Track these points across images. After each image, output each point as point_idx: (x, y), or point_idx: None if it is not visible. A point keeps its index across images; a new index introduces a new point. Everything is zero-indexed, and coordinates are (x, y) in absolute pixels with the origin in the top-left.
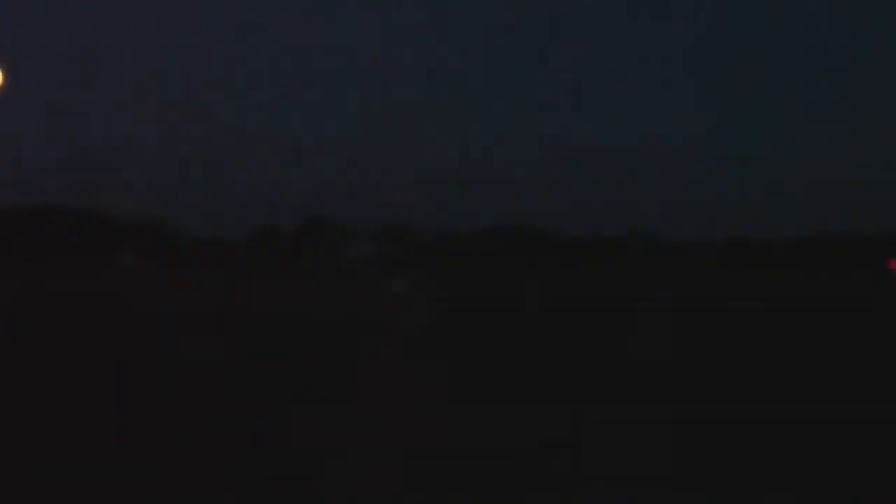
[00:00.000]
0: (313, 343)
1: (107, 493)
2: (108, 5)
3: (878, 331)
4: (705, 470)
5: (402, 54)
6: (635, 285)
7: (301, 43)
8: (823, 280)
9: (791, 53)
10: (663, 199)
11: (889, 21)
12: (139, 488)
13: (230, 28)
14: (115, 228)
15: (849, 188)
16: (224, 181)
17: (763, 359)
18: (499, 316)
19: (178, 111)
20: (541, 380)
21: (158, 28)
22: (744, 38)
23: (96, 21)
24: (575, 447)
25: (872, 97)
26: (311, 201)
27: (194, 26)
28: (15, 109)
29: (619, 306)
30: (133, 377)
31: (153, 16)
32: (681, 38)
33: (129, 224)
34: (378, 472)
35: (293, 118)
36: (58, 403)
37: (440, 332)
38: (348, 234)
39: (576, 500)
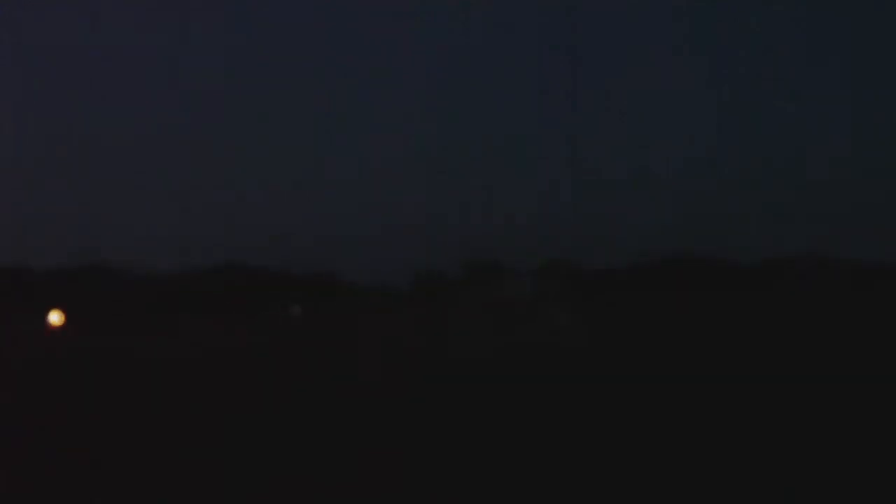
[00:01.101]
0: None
1: None
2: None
3: None
4: None
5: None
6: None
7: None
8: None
9: None
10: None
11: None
12: None
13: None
14: (284, 281)
15: None
16: (380, 227)
17: None
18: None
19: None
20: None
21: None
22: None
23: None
24: None
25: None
26: (470, 243)
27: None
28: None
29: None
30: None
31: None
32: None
33: (295, 277)
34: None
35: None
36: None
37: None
38: (508, 274)
39: None
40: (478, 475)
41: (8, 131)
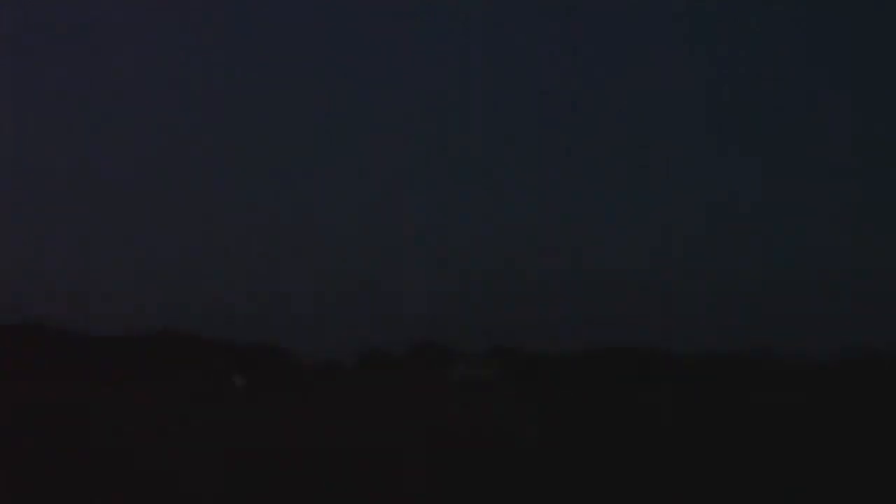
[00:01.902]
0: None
1: None
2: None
3: None
4: None
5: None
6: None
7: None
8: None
9: None
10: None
11: None
12: None
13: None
14: (227, 352)
15: None
16: (333, 305)
17: None
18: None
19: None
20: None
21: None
22: None
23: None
24: None
25: None
26: (418, 324)
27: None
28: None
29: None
30: None
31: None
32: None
33: (240, 348)
34: None
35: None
36: None
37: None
38: (455, 357)
39: None
40: None
41: None
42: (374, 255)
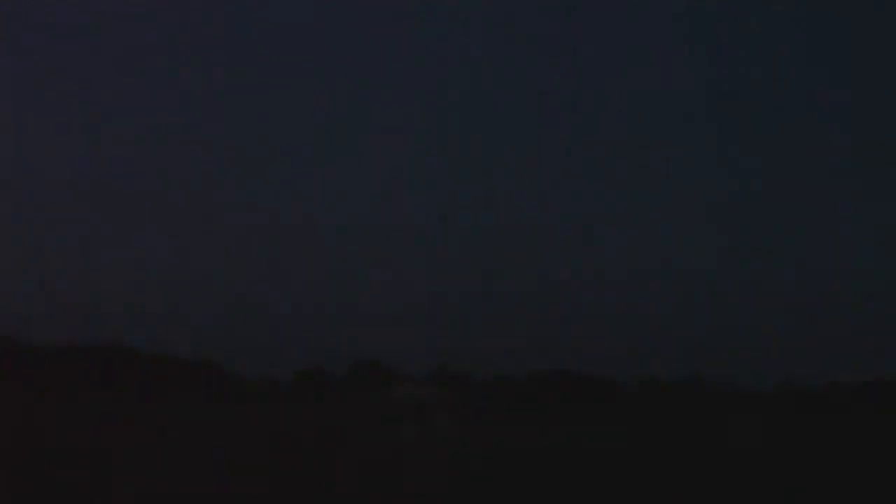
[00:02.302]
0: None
1: None
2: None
3: None
4: None
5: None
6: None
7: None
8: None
9: None
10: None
11: None
12: None
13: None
14: (166, 368)
15: None
16: (269, 320)
17: None
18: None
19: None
20: None
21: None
22: None
23: None
24: None
25: None
26: (359, 342)
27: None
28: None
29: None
30: None
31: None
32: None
33: (177, 363)
34: None
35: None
36: None
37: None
38: (396, 378)
39: None
40: None
41: None
42: (324, 271)
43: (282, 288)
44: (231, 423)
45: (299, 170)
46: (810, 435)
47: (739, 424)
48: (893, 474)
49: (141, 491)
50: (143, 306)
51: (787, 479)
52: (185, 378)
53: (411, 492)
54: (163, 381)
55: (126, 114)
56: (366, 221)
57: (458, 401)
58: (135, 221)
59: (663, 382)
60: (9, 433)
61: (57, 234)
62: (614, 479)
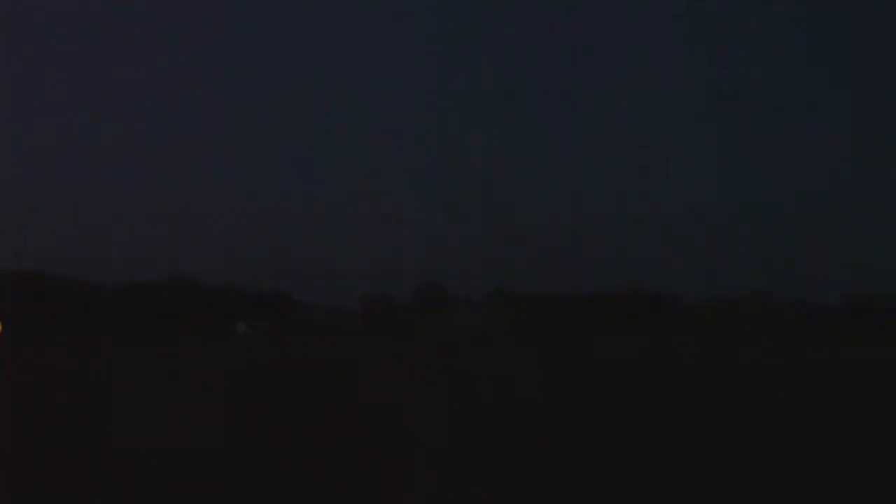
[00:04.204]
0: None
1: None
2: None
3: None
4: None
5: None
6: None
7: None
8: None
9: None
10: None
11: None
12: None
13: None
14: (233, 298)
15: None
16: (335, 249)
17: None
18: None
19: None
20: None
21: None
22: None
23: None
24: None
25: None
26: (422, 268)
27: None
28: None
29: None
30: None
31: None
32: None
33: (246, 294)
34: None
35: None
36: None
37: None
38: (458, 302)
39: None
40: None
41: None
42: (377, 200)
43: (342, 218)
44: (297, 350)
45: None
46: (877, 346)
47: (806, 336)
48: None
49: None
50: (205, 239)
51: (852, 390)
52: (252, 307)
53: (481, 413)
54: (229, 312)
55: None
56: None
57: (516, 321)
58: (191, 156)
59: (730, 298)
60: (68, 374)
61: (113, 168)
62: (682, 393)
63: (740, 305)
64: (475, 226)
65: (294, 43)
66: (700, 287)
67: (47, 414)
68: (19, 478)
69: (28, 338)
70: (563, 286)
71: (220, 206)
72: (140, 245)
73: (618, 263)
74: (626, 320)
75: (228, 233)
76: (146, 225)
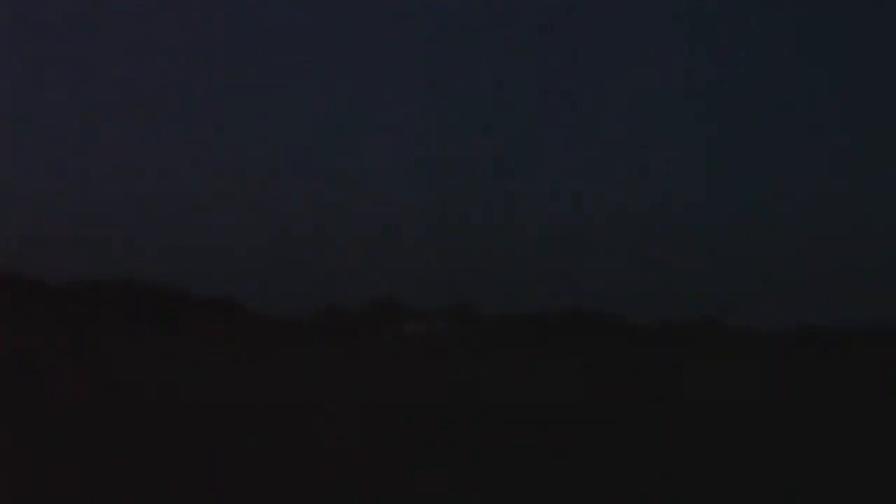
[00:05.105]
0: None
1: None
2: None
3: None
4: None
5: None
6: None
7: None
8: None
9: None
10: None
11: None
12: None
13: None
14: (183, 304)
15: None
16: (289, 259)
17: None
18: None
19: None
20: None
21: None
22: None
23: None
24: None
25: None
26: (376, 280)
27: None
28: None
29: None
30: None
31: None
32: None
33: (196, 300)
34: None
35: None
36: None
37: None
38: (411, 316)
39: None
40: None
41: None
42: (331, 211)
43: (298, 226)
44: (245, 359)
45: (307, 91)
46: (822, 376)
47: (750, 364)
48: None
49: (152, 423)
50: (157, 241)
51: (795, 421)
52: (201, 315)
53: (419, 429)
54: (179, 317)
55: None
56: (376, 163)
57: (469, 337)
58: (145, 154)
59: (676, 323)
60: (18, 372)
61: (65, 168)
62: (624, 417)
63: (687, 330)
64: (441, 238)
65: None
66: (647, 311)
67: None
68: None
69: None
70: (520, 305)
71: (166, 202)
72: (87, 244)
73: (578, 283)
74: (575, 343)
75: (174, 234)
76: (97, 222)
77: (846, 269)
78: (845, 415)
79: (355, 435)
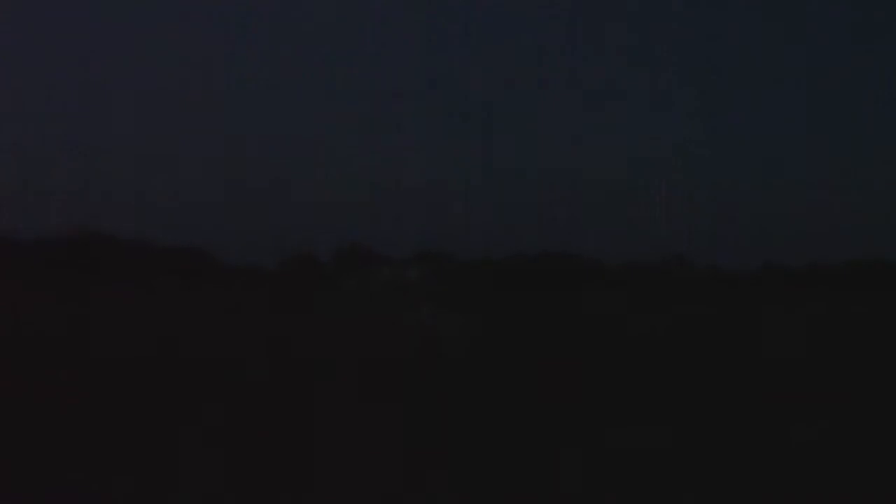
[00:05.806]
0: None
1: None
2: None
3: None
4: None
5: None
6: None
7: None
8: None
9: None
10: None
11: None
12: None
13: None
14: (147, 254)
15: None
16: (257, 206)
17: None
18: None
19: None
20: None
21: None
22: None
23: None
24: None
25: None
26: (345, 226)
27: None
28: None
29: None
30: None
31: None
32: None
33: (161, 250)
34: None
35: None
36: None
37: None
38: (382, 262)
39: None
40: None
41: None
42: (299, 157)
43: (266, 174)
44: (212, 307)
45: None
46: (792, 315)
47: (721, 304)
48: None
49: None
50: (123, 193)
51: (767, 358)
52: (167, 264)
53: (395, 381)
54: (145, 268)
55: None
56: (354, 100)
57: (441, 283)
58: (118, 102)
59: (649, 263)
60: None
61: (29, 116)
62: (596, 359)
63: (659, 269)
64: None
65: None
66: (619, 252)
67: None
68: None
69: None
70: (492, 250)
71: (139, 157)
72: (53, 198)
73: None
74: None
75: (141, 185)
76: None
77: (814, 210)
78: (809, 353)
79: (323, 385)
